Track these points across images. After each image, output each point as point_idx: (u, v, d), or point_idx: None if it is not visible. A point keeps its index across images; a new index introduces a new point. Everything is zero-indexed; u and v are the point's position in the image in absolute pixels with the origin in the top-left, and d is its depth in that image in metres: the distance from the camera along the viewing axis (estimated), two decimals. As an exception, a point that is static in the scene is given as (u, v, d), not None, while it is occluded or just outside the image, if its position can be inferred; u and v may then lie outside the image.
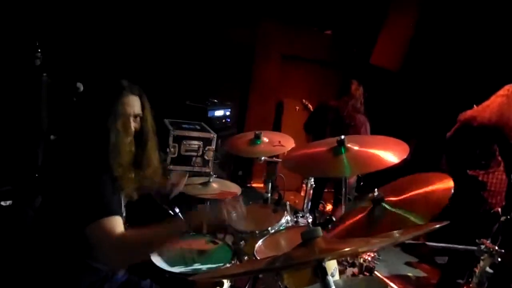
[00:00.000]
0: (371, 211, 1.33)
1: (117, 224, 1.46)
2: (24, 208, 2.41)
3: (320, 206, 4.58)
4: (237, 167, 5.35)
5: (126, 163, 1.58)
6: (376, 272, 1.91)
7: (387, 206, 1.33)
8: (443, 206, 1.19)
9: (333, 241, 0.98)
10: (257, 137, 2.32)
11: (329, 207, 5.19)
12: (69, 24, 3.72)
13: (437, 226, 0.99)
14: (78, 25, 3.80)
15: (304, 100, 5.07)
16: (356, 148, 1.82)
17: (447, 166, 3.07)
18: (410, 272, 3.72)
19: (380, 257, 2.70)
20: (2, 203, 2.47)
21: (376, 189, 1.41)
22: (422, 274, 3.74)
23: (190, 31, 4.86)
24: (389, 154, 1.72)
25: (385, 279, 2.90)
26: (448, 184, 1.28)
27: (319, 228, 0.90)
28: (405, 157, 1.69)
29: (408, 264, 3.88)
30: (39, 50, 2.51)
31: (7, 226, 2.44)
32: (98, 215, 1.43)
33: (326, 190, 4.62)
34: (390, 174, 1.69)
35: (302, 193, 3.29)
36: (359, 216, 1.37)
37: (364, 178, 4.22)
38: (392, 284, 2.92)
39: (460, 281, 2.65)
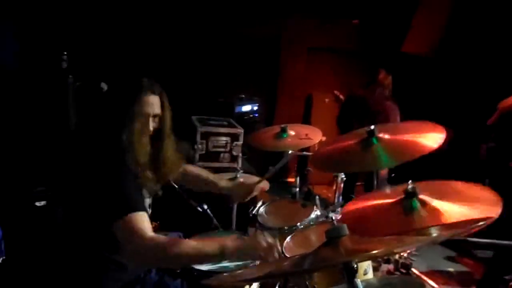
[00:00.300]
0: (401, 202, 1.23)
1: (144, 220, 1.44)
2: (56, 208, 2.46)
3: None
4: (268, 161, 5.29)
5: (143, 162, 1.56)
6: (413, 269, 1.81)
7: (418, 203, 1.23)
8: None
9: (361, 240, 0.88)
10: (283, 130, 2.25)
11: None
12: (94, 25, 3.78)
13: (480, 223, 0.88)
14: (104, 26, 3.86)
15: (335, 91, 4.95)
16: (387, 137, 1.70)
17: (487, 156, 2.90)
18: (451, 267, 3.54)
19: (417, 252, 2.58)
20: (37, 203, 2.53)
21: (410, 181, 1.31)
22: (464, 269, 3.56)
23: (215, 28, 4.87)
24: (425, 139, 1.57)
25: (423, 277, 2.76)
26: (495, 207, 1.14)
27: (345, 226, 0.82)
28: (443, 140, 1.56)
29: (449, 258, 3.69)
30: (65, 53, 2.56)
31: (42, 226, 2.51)
32: (124, 211, 1.41)
33: (358, 183, 4.50)
34: (423, 164, 1.56)
35: (335, 187, 3.19)
36: (385, 202, 1.26)
37: (395, 170, 4.05)
38: (431, 282, 2.77)
39: (507, 277, 2.49)
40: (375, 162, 1.67)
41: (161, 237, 1.43)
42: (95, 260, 1.57)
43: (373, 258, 1.00)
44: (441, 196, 1.26)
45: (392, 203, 1.28)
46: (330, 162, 1.80)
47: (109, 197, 1.45)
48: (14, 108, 2.76)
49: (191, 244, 1.45)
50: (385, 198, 1.33)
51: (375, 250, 0.78)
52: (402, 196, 1.27)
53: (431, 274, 3.32)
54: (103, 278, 1.57)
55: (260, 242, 1.39)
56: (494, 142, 2.88)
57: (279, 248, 1.45)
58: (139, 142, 1.55)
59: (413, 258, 1.72)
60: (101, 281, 1.56)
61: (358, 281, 0.81)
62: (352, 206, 1.48)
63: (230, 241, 1.42)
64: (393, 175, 4.06)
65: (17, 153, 2.62)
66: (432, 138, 1.57)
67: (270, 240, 1.41)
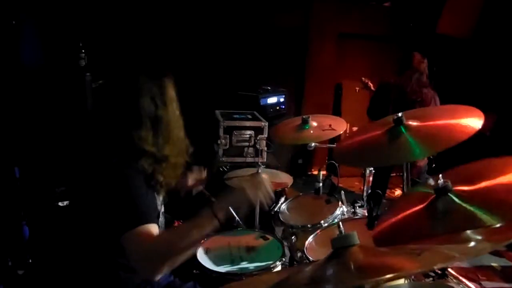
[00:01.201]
0: (433, 202, 1.06)
1: (154, 231, 1.40)
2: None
3: (388, 192, 4.26)
4: (296, 155, 5.16)
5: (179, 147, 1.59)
6: (450, 269, 1.64)
7: (455, 199, 1.03)
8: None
9: (378, 252, 0.72)
10: (305, 121, 2.12)
11: (398, 192, 4.84)
12: (113, 20, 3.78)
13: None
14: (123, 21, 3.85)
15: (363, 78, 4.74)
16: (417, 124, 1.52)
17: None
18: (495, 262, 3.30)
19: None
20: (60, 203, 2.53)
21: (440, 175, 1.13)
22: (509, 264, 3.31)
23: (240, 18, 4.77)
24: (461, 124, 1.39)
25: (461, 278, 2.55)
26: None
27: (355, 234, 0.68)
28: (481, 125, 1.37)
29: (493, 253, 3.44)
30: (83, 51, 2.54)
31: (65, 226, 2.51)
32: (133, 223, 1.38)
33: (394, 174, 4.29)
34: (467, 152, 1.39)
35: (371, 178, 2.99)
36: (417, 207, 1.09)
37: (436, 159, 3.80)
38: (470, 284, 2.55)
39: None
40: (405, 154, 1.50)
41: (154, 239, 1.39)
42: (106, 262, 1.53)
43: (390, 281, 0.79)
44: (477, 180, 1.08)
45: (423, 206, 1.10)
46: (355, 156, 1.64)
47: (119, 206, 1.41)
48: (35, 107, 2.78)
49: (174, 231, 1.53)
50: (415, 200, 1.15)
51: (398, 268, 0.60)
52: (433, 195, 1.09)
53: (473, 270, 3.10)
54: (114, 280, 1.53)
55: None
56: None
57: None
58: (176, 125, 1.57)
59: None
60: (111, 283, 1.53)
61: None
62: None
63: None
64: (433, 165, 3.80)
65: (38, 153, 2.64)
66: (469, 123, 1.39)
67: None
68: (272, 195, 1.54)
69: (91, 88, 2.52)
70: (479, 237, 0.86)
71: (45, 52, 3.05)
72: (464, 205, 0.99)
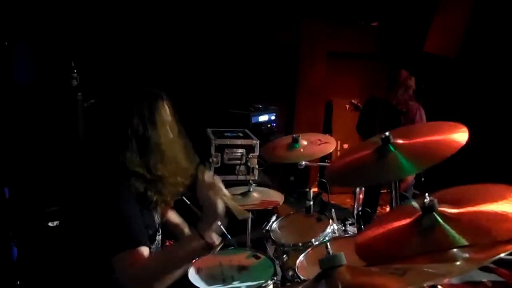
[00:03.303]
0: (419, 220, 1.08)
1: (144, 254, 1.41)
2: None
3: (379, 208, 4.28)
4: (287, 172, 5.18)
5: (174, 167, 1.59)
6: (439, 287, 1.64)
7: (439, 219, 1.06)
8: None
9: (364, 272, 0.74)
10: (295, 140, 2.15)
11: (388, 209, 4.86)
12: (104, 41, 3.81)
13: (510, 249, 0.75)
14: (114, 41, 3.88)
15: (353, 100, 4.83)
16: (403, 141, 1.55)
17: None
18: (485, 278, 3.31)
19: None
20: (50, 223, 2.51)
21: (427, 194, 1.16)
22: (499, 279, 3.32)
23: (231, 38, 4.83)
24: (448, 140, 1.44)
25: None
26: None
27: (342, 255, 0.70)
28: (465, 140, 1.41)
29: (483, 268, 3.44)
30: (75, 71, 2.56)
31: (55, 246, 2.48)
32: (123, 246, 1.39)
33: (384, 191, 4.32)
34: (456, 167, 1.42)
35: (361, 196, 3.02)
36: (402, 223, 1.12)
37: (425, 174, 3.85)
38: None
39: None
40: (395, 171, 1.53)
41: (143, 263, 1.39)
42: (95, 283, 1.53)
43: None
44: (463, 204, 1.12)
45: (408, 222, 1.13)
46: (346, 176, 1.67)
47: (110, 228, 1.42)
48: (27, 126, 2.78)
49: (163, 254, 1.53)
50: (402, 216, 1.18)
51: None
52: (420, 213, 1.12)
53: (464, 286, 3.10)
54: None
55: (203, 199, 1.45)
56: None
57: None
58: (170, 146, 1.56)
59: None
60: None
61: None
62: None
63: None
64: (422, 179, 3.85)
65: (29, 173, 2.63)
66: (455, 138, 1.43)
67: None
68: (226, 192, 1.54)
69: (82, 107, 2.54)
70: (464, 256, 0.88)
71: (37, 72, 3.07)
72: (444, 224, 1.02)
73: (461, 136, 1.44)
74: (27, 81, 2.98)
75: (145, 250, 1.42)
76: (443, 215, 1.08)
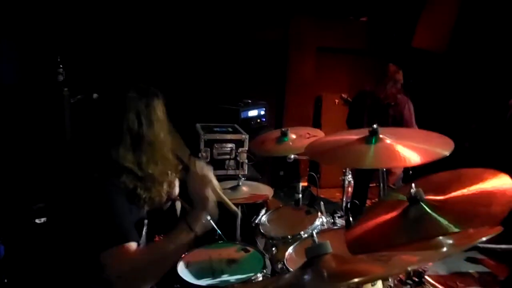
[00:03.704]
0: (406, 210, 1.10)
1: (131, 250, 1.40)
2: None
3: (368, 202, 4.31)
4: (277, 167, 5.19)
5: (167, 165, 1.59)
6: (427, 277, 1.67)
7: (427, 208, 1.07)
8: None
9: (349, 259, 0.75)
10: (284, 134, 2.15)
11: (378, 202, 4.91)
12: (90, 34, 3.77)
13: (492, 234, 0.76)
14: (101, 34, 3.84)
15: (343, 95, 4.85)
16: (388, 141, 1.57)
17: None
18: (472, 269, 3.37)
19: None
20: (37, 220, 2.48)
21: (413, 184, 1.17)
22: (486, 270, 3.38)
23: (220, 32, 4.82)
24: (430, 150, 1.46)
25: (438, 285, 2.60)
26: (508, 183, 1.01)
27: (327, 243, 0.71)
28: (442, 155, 1.43)
29: (470, 260, 3.51)
30: (61, 66, 2.52)
31: (43, 244, 2.45)
32: (113, 242, 1.38)
33: (374, 184, 4.36)
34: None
35: (350, 189, 3.05)
36: (390, 215, 1.13)
37: (414, 167, 3.88)
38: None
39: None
40: (362, 160, 1.54)
41: (133, 256, 1.39)
42: (84, 280, 1.51)
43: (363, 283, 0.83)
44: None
45: (396, 213, 1.14)
46: (321, 152, 1.69)
47: (99, 224, 1.41)
48: (13, 123, 2.74)
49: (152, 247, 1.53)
50: (389, 208, 1.19)
51: (364, 273, 0.64)
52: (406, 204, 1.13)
53: (451, 277, 3.16)
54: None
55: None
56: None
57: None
58: (162, 145, 1.56)
59: (428, 264, 1.59)
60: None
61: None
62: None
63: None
64: (410, 172, 3.89)
65: (15, 169, 2.60)
66: (438, 150, 1.44)
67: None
68: (216, 182, 1.54)
69: (69, 103, 2.50)
70: (448, 242, 0.89)
71: (22, 68, 3.02)
72: (433, 213, 1.03)
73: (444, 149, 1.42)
74: (13, 78, 2.93)
75: (134, 246, 1.42)
76: (430, 205, 1.09)
